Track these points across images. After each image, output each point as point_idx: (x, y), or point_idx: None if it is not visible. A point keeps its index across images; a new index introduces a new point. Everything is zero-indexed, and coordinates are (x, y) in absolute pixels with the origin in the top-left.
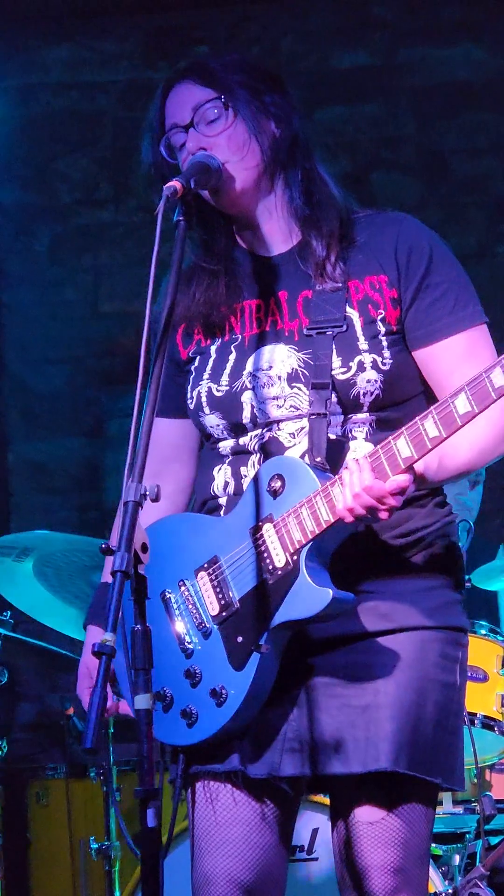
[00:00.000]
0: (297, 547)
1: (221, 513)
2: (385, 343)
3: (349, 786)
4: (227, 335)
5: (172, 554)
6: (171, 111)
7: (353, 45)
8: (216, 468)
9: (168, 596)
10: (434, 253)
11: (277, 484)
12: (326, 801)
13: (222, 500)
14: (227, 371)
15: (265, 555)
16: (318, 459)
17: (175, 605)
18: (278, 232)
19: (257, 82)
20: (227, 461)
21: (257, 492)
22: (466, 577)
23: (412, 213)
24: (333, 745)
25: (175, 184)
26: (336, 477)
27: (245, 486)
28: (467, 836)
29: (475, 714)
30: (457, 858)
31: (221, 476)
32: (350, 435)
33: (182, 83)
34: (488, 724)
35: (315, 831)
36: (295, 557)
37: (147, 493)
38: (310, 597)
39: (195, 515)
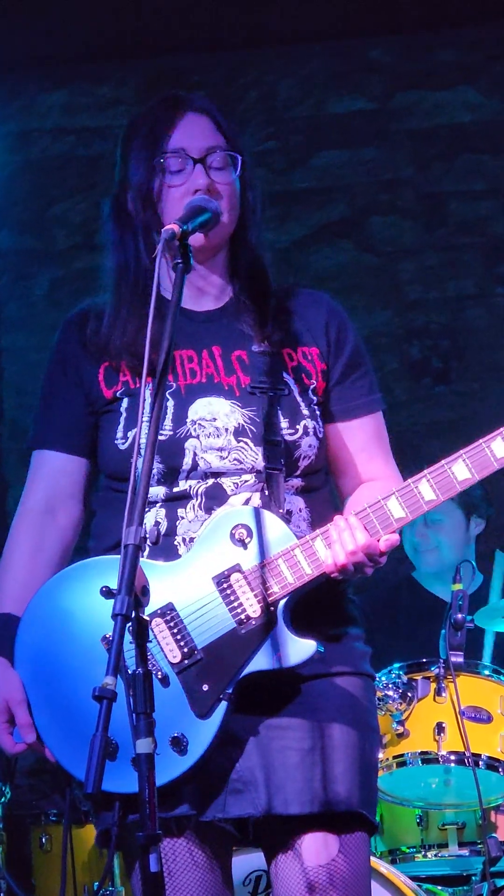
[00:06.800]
0: (275, 598)
1: (144, 555)
2: (318, 413)
3: (294, 829)
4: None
5: None
6: (182, 135)
7: (350, 89)
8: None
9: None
10: (358, 337)
11: (243, 533)
12: None
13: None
14: (170, 416)
15: (236, 605)
16: (282, 511)
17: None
18: (214, 288)
19: (246, 145)
20: (156, 506)
21: (216, 540)
22: (469, 617)
23: (410, 257)
24: (278, 786)
25: (174, 227)
26: (319, 532)
27: (181, 529)
28: (473, 878)
29: (479, 755)
30: None
31: (150, 518)
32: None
33: (200, 115)
34: (493, 765)
35: None
36: (272, 609)
37: (147, 536)
38: (291, 647)
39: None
